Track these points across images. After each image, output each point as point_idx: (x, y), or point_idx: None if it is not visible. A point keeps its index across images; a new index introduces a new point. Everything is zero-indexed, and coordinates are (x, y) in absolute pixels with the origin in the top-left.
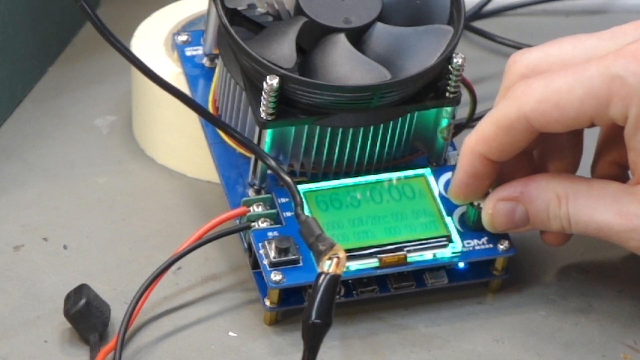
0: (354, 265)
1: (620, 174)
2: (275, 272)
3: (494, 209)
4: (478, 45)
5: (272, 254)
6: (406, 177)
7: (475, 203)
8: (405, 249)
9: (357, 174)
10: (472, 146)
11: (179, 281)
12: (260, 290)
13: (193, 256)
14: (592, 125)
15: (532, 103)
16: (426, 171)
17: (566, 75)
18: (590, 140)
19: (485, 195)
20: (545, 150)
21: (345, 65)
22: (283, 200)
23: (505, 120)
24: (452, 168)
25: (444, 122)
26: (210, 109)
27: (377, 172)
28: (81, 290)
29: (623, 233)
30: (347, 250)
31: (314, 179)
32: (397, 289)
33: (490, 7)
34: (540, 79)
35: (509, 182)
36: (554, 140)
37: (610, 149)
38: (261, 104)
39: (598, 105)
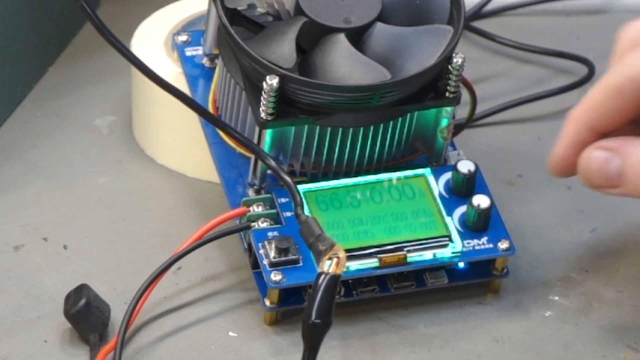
0: (354, 265)
1: None
2: (275, 272)
3: (590, 155)
4: (478, 45)
5: (272, 254)
6: (406, 177)
7: (476, 204)
8: (405, 249)
9: (357, 174)
10: (578, 114)
11: (179, 281)
12: (260, 290)
13: (193, 256)
14: None
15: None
16: (426, 171)
17: None
18: None
19: None
20: None
21: (345, 65)
22: (283, 200)
23: (612, 84)
24: (452, 168)
25: (444, 122)
26: (210, 109)
27: (377, 172)
28: (81, 290)
29: None
30: (347, 250)
31: (314, 179)
32: (397, 289)
33: (490, 7)
34: None
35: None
36: None
37: None
38: (261, 104)
39: None
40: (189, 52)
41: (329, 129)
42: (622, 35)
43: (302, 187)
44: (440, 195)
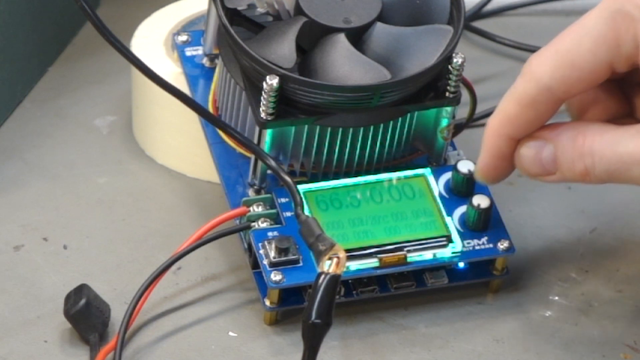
0: (354, 265)
1: None
2: (275, 272)
3: (523, 146)
4: (478, 45)
5: (272, 254)
6: (406, 177)
7: (476, 204)
8: (405, 249)
9: (357, 174)
10: (496, 128)
11: (179, 281)
12: (260, 290)
13: (193, 256)
14: (615, 73)
15: (549, 72)
16: (426, 171)
17: (571, 32)
18: None
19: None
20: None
21: (345, 65)
22: (283, 200)
23: (527, 97)
24: (452, 168)
25: (444, 122)
26: (210, 109)
27: (377, 172)
28: (81, 290)
29: None
30: (347, 250)
31: (314, 179)
32: (397, 289)
33: (490, 7)
34: (549, 45)
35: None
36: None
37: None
38: (261, 104)
39: (609, 49)
40: (189, 52)
41: (329, 129)
42: None
43: (302, 187)
44: (440, 195)
